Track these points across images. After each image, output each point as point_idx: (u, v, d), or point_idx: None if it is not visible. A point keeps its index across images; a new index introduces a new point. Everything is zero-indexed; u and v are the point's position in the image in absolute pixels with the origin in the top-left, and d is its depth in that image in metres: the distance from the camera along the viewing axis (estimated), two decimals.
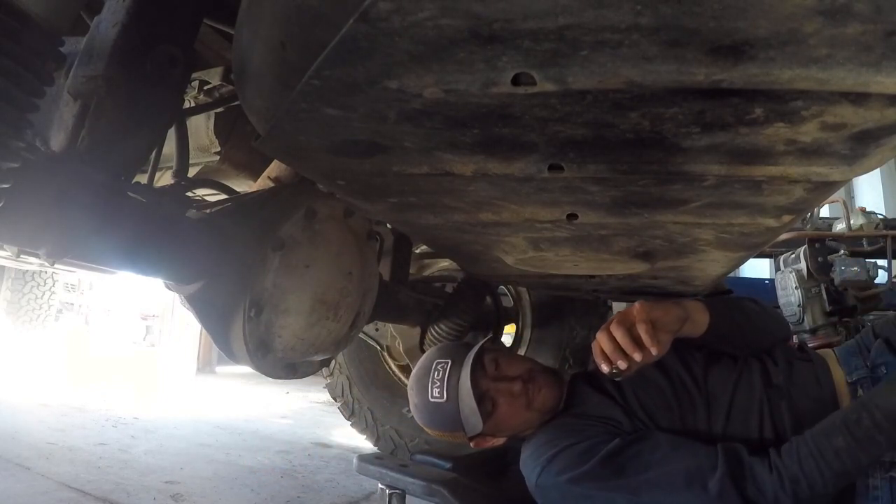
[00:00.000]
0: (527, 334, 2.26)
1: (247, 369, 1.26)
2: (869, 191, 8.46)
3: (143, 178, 1.14)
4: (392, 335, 2.18)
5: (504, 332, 2.34)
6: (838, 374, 1.15)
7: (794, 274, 3.57)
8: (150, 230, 0.99)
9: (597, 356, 1.02)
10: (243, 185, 1.64)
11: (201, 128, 1.57)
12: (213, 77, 1.42)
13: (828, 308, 3.44)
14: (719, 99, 0.50)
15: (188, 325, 6.61)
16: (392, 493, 1.35)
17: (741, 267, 1.93)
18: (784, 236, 3.17)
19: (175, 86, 1.01)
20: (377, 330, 2.25)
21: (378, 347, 2.30)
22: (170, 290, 1.19)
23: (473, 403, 1.14)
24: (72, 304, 6.66)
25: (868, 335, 1.21)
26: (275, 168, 1.42)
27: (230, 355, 1.17)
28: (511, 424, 1.21)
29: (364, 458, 1.45)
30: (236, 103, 1.27)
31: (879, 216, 4.70)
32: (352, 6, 0.41)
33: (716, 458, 1.00)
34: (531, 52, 0.44)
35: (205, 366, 7.11)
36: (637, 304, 1.03)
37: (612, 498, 1.04)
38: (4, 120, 0.67)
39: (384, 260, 1.72)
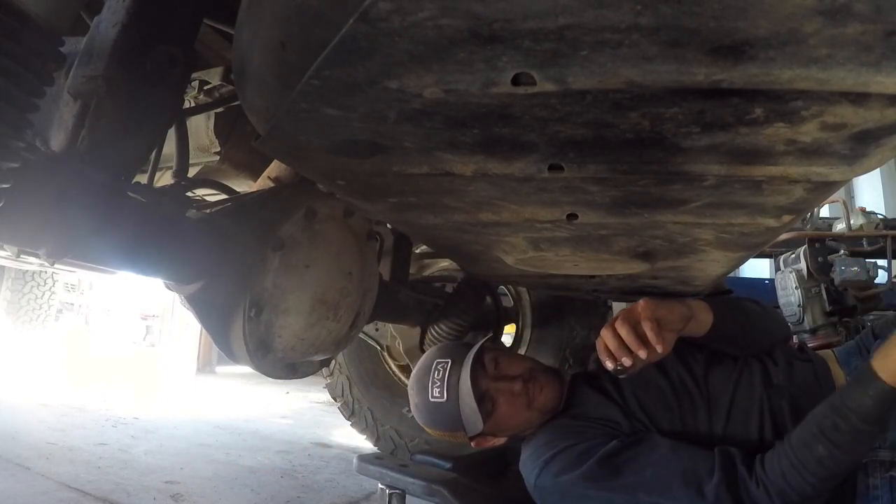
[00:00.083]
0: (527, 334, 2.26)
1: (247, 369, 1.26)
2: (869, 191, 8.45)
3: (143, 178, 1.14)
4: (392, 335, 2.18)
5: (504, 331, 2.33)
6: (838, 375, 1.16)
7: (794, 274, 3.57)
8: (150, 230, 0.99)
9: (601, 353, 1.02)
10: (243, 185, 1.64)
11: (201, 128, 1.57)
12: (213, 77, 1.42)
13: (828, 308, 3.44)
14: (719, 99, 0.50)
15: (188, 325, 6.62)
16: (392, 493, 1.35)
17: (741, 267, 1.93)
18: (784, 236, 3.17)
19: (175, 86, 1.01)
20: (377, 330, 2.25)
21: (378, 347, 2.30)
22: (170, 290, 1.19)
23: (474, 403, 1.14)
24: (72, 304, 6.67)
25: (868, 335, 1.21)
26: (275, 168, 1.42)
27: (230, 355, 1.17)
28: (511, 424, 1.21)
29: (364, 458, 1.45)
30: (236, 103, 1.27)
31: (879, 216, 4.70)
32: (352, 6, 0.41)
33: (713, 462, 1.00)
34: (531, 52, 0.44)
35: (205, 366, 7.11)
36: (642, 302, 1.02)
37: (609, 498, 1.04)
38: (4, 120, 0.67)
39: (384, 260, 1.72)
